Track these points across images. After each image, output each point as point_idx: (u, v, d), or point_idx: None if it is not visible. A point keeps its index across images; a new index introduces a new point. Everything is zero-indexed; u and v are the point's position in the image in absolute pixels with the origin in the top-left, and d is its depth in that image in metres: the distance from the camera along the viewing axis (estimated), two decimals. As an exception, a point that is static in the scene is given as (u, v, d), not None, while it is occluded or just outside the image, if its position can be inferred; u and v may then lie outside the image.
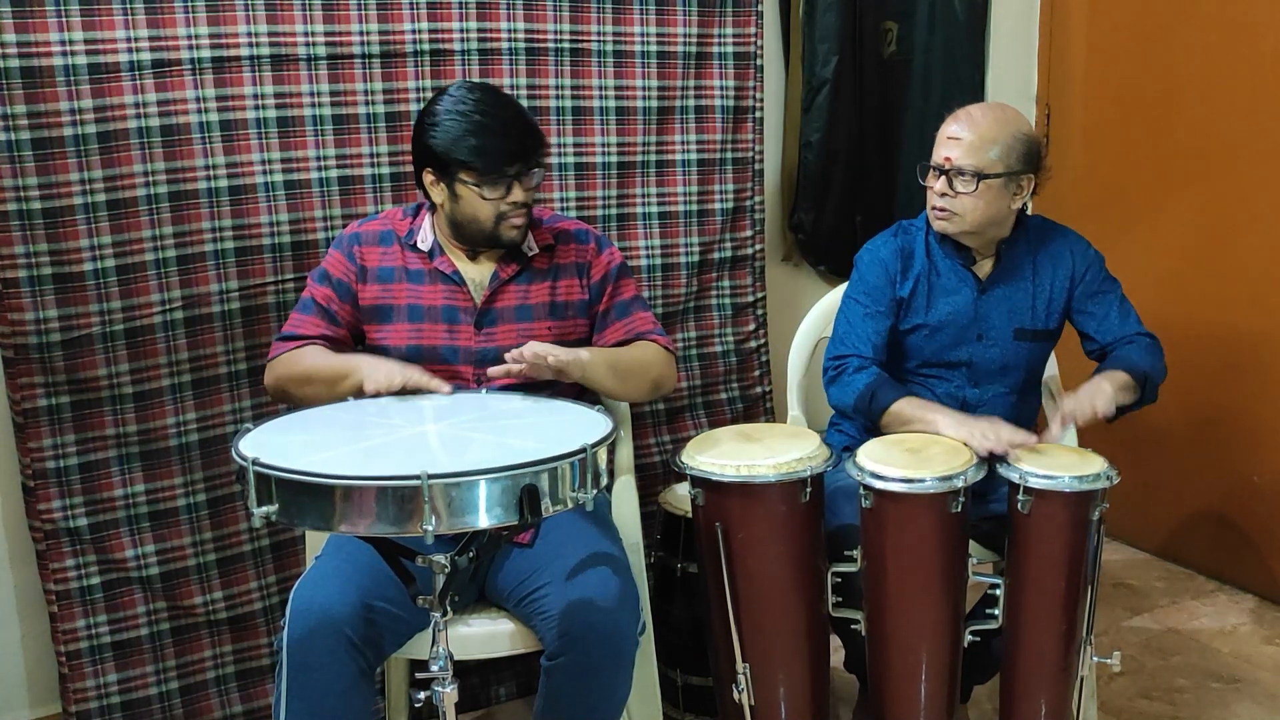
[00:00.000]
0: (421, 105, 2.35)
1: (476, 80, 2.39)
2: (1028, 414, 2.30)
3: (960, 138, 2.12)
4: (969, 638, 2.00)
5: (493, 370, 1.91)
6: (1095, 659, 1.99)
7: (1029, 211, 2.27)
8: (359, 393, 1.88)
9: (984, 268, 2.23)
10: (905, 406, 2.11)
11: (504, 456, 1.46)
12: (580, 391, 2.03)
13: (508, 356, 1.88)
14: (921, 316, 2.23)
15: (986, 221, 2.15)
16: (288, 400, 2.05)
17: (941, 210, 2.15)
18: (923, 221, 2.26)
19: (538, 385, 1.96)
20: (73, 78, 2.09)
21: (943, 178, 2.13)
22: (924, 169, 2.18)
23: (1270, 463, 2.95)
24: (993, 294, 2.22)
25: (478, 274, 2.05)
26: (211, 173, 2.24)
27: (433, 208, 2.05)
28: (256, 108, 2.26)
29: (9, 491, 2.25)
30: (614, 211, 2.64)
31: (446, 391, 1.87)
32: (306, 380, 1.98)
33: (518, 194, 1.97)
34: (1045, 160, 2.19)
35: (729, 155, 2.76)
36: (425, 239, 2.05)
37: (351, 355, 2.01)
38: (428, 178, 1.98)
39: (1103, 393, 2.06)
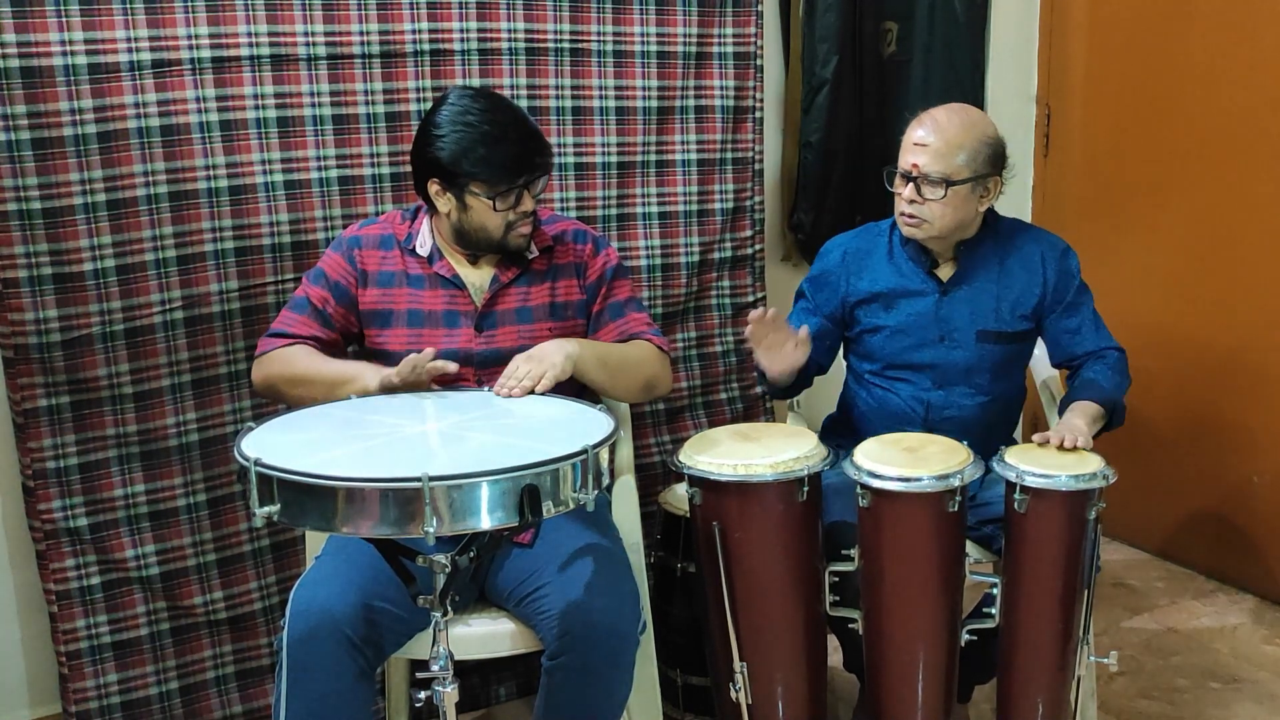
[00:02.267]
0: (421, 105, 2.36)
1: (474, 86, 2.38)
2: (999, 417, 2.27)
3: (927, 144, 2.10)
4: (966, 637, 2.00)
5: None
6: (1093, 658, 1.99)
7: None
8: (363, 392, 1.88)
9: (946, 270, 2.23)
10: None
11: (505, 457, 1.47)
12: (580, 390, 2.03)
13: (498, 390, 1.87)
14: (882, 317, 2.22)
15: (955, 226, 2.15)
16: (276, 398, 2.05)
17: (910, 217, 2.14)
18: (888, 223, 2.26)
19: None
20: (73, 78, 2.09)
21: (910, 184, 2.12)
22: (890, 174, 2.17)
23: (1270, 463, 2.95)
24: (954, 296, 2.21)
25: (478, 278, 2.05)
26: (211, 173, 2.24)
27: (432, 211, 2.05)
28: (256, 108, 2.26)
29: (9, 491, 2.25)
30: (614, 211, 2.64)
31: (453, 370, 1.88)
32: (301, 382, 1.97)
33: (527, 203, 1.97)
34: (1009, 159, 2.18)
35: (729, 155, 2.76)
36: (424, 243, 2.05)
37: (354, 361, 2.01)
38: (433, 187, 1.97)
39: (1077, 430, 2.01)
